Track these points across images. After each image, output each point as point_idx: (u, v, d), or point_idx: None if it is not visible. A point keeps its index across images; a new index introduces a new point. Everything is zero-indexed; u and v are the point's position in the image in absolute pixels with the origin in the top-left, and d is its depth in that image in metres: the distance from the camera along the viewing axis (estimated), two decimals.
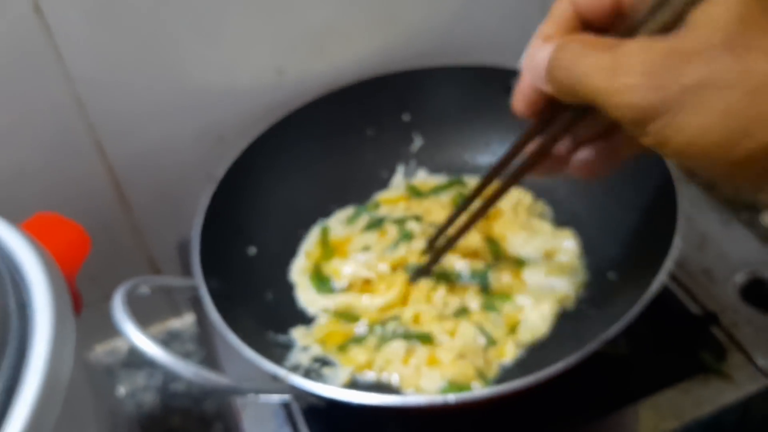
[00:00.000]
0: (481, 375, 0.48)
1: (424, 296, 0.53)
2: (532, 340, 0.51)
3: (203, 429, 0.64)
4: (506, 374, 0.49)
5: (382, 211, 0.62)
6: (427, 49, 0.65)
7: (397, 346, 0.50)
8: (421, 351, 0.50)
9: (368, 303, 0.54)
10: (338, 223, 0.62)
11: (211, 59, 0.58)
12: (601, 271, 0.54)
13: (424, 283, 0.54)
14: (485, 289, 0.54)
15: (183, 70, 0.58)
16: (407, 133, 0.65)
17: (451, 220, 0.52)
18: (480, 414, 0.46)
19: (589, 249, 0.56)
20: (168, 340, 0.71)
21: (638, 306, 0.42)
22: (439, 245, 0.53)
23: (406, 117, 0.64)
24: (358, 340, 0.52)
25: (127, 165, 0.60)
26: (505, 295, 0.53)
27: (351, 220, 0.61)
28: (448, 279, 0.54)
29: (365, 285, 0.56)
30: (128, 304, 0.43)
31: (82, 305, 0.46)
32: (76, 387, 0.39)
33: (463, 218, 0.50)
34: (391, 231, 0.58)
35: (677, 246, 0.45)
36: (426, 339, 0.50)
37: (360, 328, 0.53)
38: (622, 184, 0.54)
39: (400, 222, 0.59)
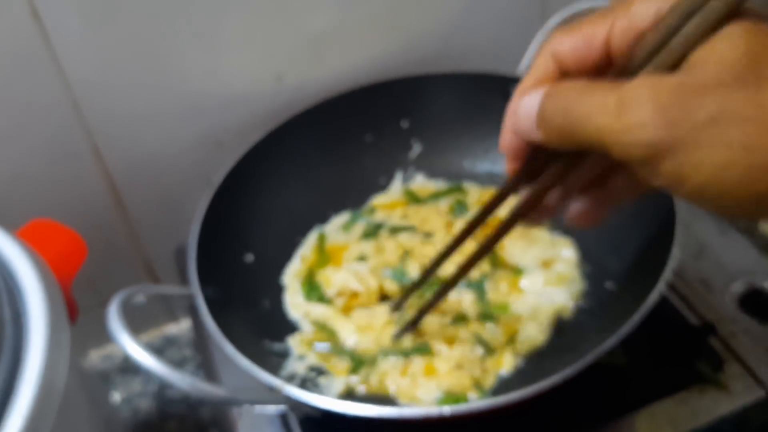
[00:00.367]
0: (478, 385, 0.48)
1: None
2: (529, 349, 0.50)
3: None
4: (504, 384, 0.49)
5: (379, 216, 0.61)
6: (426, 56, 0.64)
7: (394, 361, 0.50)
8: (419, 362, 0.50)
9: (347, 326, 0.54)
10: (335, 229, 0.61)
11: (209, 64, 0.58)
12: (599, 280, 0.53)
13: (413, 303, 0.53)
14: (482, 298, 0.54)
15: (181, 75, 0.58)
16: (406, 139, 0.64)
17: (440, 259, 0.49)
18: (477, 424, 0.46)
19: (586, 258, 0.56)
20: (165, 346, 0.71)
21: (636, 317, 0.42)
22: (421, 304, 0.50)
23: (404, 124, 0.64)
24: (342, 352, 0.52)
25: (124, 170, 0.60)
26: (502, 305, 0.53)
27: (347, 227, 0.61)
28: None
29: (353, 297, 0.55)
30: (124, 311, 0.43)
31: (77, 313, 0.46)
32: (70, 395, 0.39)
33: (455, 258, 0.48)
34: (389, 246, 0.58)
35: (675, 257, 0.45)
36: (425, 351, 0.50)
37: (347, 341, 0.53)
38: None
39: (396, 230, 0.59)
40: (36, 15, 0.50)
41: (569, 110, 0.30)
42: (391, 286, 0.55)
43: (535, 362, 0.50)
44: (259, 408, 0.42)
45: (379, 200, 0.63)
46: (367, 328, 0.53)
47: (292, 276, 0.58)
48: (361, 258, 0.57)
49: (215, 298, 0.48)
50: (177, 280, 0.62)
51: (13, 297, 0.38)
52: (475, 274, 0.54)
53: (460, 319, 0.52)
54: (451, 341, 0.50)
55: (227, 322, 0.47)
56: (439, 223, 0.59)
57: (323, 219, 0.62)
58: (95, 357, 0.70)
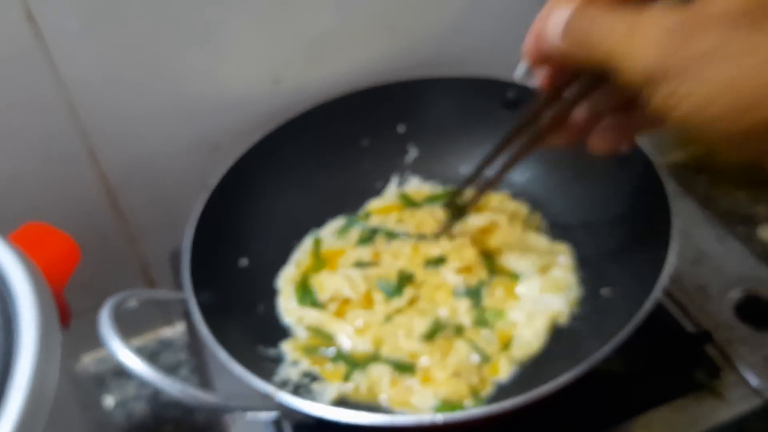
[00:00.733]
0: (475, 393, 0.48)
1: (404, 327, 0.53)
2: (525, 356, 0.50)
3: None
4: (501, 392, 0.49)
5: (374, 221, 0.61)
6: (424, 60, 0.64)
7: (382, 370, 0.50)
8: (407, 377, 0.50)
9: (344, 329, 0.54)
10: (330, 233, 0.61)
11: (207, 67, 0.58)
12: (596, 287, 0.53)
13: (403, 318, 0.53)
14: (478, 304, 0.53)
15: (178, 77, 0.57)
16: (402, 144, 0.64)
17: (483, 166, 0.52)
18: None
19: (583, 264, 0.55)
20: (160, 349, 0.71)
21: (632, 324, 0.42)
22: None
23: (401, 128, 0.64)
24: (337, 358, 0.52)
25: (120, 173, 0.60)
26: (499, 311, 0.53)
27: (343, 232, 0.61)
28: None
29: (345, 303, 0.55)
30: (116, 317, 0.43)
31: (70, 317, 0.45)
32: (62, 400, 0.38)
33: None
34: (386, 259, 0.57)
35: (671, 264, 0.44)
36: (408, 369, 0.50)
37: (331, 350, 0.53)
38: (618, 199, 0.54)
39: (391, 235, 0.59)
40: (31, 18, 0.49)
41: (591, 27, 0.33)
42: (379, 297, 0.55)
43: (532, 369, 0.50)
44: (251, 415, 0.42)
45: (374, 205, 0.63)
46: (365, 330, 0.53)
47: (286, 280, 0.58)
48: (358, 264, 0.57)
49: (209, 303, 0.48)
50: (173, 283, 0.62)
51: (4, 302, 0.38)
52: (472, 280, 0.54)
53: (457, 328, 0.52)
54: (445, 351, 0.50)
55: (221, 327, 0.46)
56: (435, 226, 0.58)
57: (319, 223, 0.62)
58: (90, 360, 0.69)
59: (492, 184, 0.52)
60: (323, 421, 0.41)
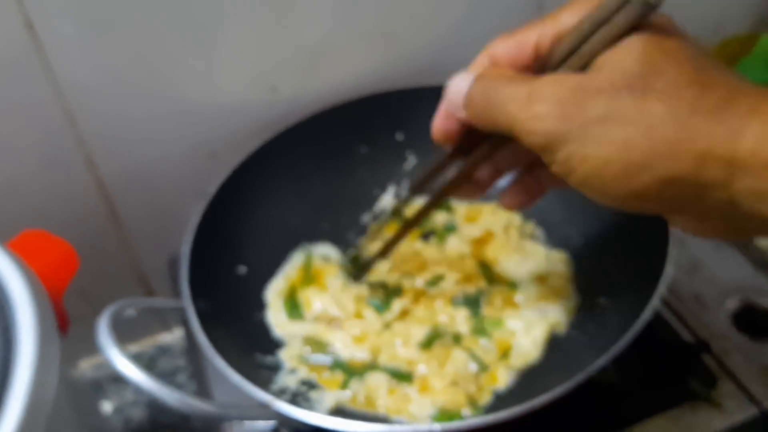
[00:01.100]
0: (473, 402, 0.48)
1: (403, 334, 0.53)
2: (523, 365, 0.50)
3: None
4: (498, 401, 0.49)
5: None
6: (422, 68, 0.64)
7: (380, 378, 0.50)
8: (404, 386, 0.50)
9: (339, 337, 0.54)
10: (321, 252, 0.61)
11: (204, 75, 0.58)
12: (592, 295, 0.53)
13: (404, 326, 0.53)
14: (476, 313, 0.53)
15: (176, 85, 0.57)
16: (401, 151, 0.64)
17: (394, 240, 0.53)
18: None
19: (579, 273, 0.55)
20: (157, 355, 0.71)
21: (630, 334, 0.42)
22: (368, 255, 0.56)
23: (399, 136, 0.64)
24: (335, 366, 0.52)
25: (118, 180, 0.60)
26: (497, 320, 0.53)
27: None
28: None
29: (332, 320, 0.55)
30: (114, 324, 0.43)
31: (68, 324, 0.45)
32: (59, 409, 0.38)
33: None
34: (368, 314, 0.56)
35: (669, 274, 0.45)
36: (405, 378, 0.50)
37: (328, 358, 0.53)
38: (615, 210, 0.54)
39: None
40: (30, 25, 0.49)
41: (491, 95, 0.34)
42: (369, 312, 0.55)
43: (529, 378, 0.50)
44: (249, 424, 0.42)
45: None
46: (362, 339, 0.53)
47: (274, 293, 0.58)
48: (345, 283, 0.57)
49: (207, 311, 0.48)
50: (170, 290, 0.62)
51: (2, 310, 0.38)
52: (471, 289, 0.54)
53: (455, 337, 0.52)
54: (443, 360, 0.50)
55: (218, 334, 0.46)
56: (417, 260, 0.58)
57: (317, 232, 0.62)
58: (87, 366, 0.69)
59: (406, 231, 0.52)
60: (320, 430, 0.41)
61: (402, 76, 0.64)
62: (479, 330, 0.52)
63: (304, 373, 0.51)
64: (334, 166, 0.62)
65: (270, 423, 0.43)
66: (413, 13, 0.62)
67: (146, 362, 0.70)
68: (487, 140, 0.40)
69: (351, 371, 0.51)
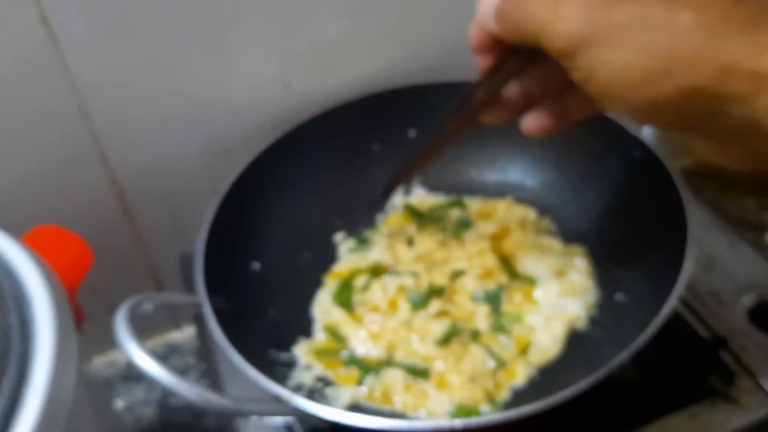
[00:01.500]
0: (491, 398, 0.48)
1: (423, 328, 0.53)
2: (543, 361, 0.50)
3: None
4: (517, 397, 0.48)
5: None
6: (434, 65, 0.64)
7: (396, 375, 0.49)
8: (421, 382, 0.49)
9: (359, 333, 0.54)
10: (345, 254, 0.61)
11: (217, 72, 0.58)
12: (609, 292, 0.53)
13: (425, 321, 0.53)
14: (497, 310, 0.53)
15: (189, 82, 0.57)
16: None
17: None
18: None
19: (596, 269, 0.55)
20: (168, 354, 0.71)
21: (649, 330, 0.42)
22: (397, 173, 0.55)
23: (412, 133, 0.63)
24: (350, 362, 0.52)
25: (131, 177, 0.60)
26: (516, 316, 0.52)
27: (355, 251, 0.61)
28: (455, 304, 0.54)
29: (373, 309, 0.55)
30: (131, 319, 0.43)
31: (83, 320, 0.45)
32: (78, 404, 0.38)
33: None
34: (423, 280, 0.56)
35: (687, 271, 0.44)
36: (422, 374, 0.50)
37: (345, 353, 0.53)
38: (631, 204, 0.54)
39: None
40: (45, 20, 0.49)
41: (519, 7, 0.35)
42: (404, 306, 0.54)
43: (547, 374, 0.49)
44: (266, 419, 0.42)
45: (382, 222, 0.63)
46: (379, 336, 0.53)
47: (334, 276, 0.58)
48: (374, 310, 0.56)
49: (222, 307, 0.48)
50: (181, 287, 0.62)
51: (20, 304, 0.38)
52: (491, 285, 0.54)
53: (473, 333, 0.52)
54: (460, 356, 0.50)
55: (234, 331, 0.46)
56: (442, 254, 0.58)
57: (330, 228, 0.62)
58: (98, 364, 0.69)
59: (428, 159, 0.52)
60: (338, 426, 0.41)
61: (414, 73, 0.63)
62: (498, 327, 0.52)
63: (319, 369, 0.51)
64: (347, 162, 0.62)
65: (285, 419, 0.43)
66: (425, 9, 0.62)
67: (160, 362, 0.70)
68: (517, 55, 0.40)
69: (366, 367, 0.51)
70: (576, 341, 0.51)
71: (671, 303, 0.43)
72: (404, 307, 0.54)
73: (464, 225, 0.60)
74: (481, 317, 0.52)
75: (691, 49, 0.29)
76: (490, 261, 0.55)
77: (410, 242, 0.59)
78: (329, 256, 0.61)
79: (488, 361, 0.50)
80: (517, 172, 0.62)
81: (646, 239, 0.52)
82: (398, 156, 0.62)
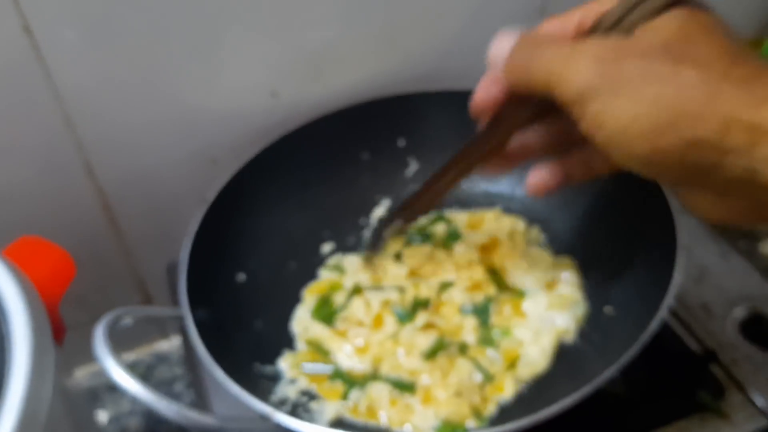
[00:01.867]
0: (477, 413, 0.47)
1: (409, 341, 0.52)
2: (531, 375, 0.49)
3: None
4: (503, 412, 0.48)
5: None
6: (423, 74, 0.64)
7: (381, 389, 0.49)
8: (407, 396, 0.49)
9: (344, 348, 0.53)
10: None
11: (205, 81, 0.57)
12: (598, 305, 0.52)
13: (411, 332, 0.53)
14: (485, 322, 0.52)
15: (175, 90, 0.57)
16: (403, 157, 0.64)
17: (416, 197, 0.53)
18: None
19: (585, 282, 0.54)
20: (155, 363, 0.70)
21: (638, 344, 0.41)
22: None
23: (401, 142, 0.63)
24: (335, 376, 0.51)
25: (117, 186, 0.59)
26: (505, 329, 0.52)
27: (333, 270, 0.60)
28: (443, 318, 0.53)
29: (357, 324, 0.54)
30: (111, 333, 0.42)
31: (64, 333, 0.45)
32: (55, 420, 0.38)
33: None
34: (409, 294, 0.56)
35: (677, 283, 0.44)
36: (408, 388, 0.49)
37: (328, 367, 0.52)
38: (620, 215, 0.54)
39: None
40: (27, 29, 0.49)
41: (534, 51, 0.36)
42: (390, 320, 0.54)
43: (535, 389, 0.49)
44: None
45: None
46: (365, 350, 0.52)
47: (312, 291, 0.58)
48: (360, 324, 0.55)
49: (205, 319, 0.47)
50: (168, 296, 0.61)
51: None
52: (479, 297, 0.54)
53: (460, 346, 0.51)
54: (447, 370, 0.49)
55: (218, 344, 0.46)
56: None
57: (318, 238, 0.61)
58: (83, 374, 0.68)
59: (435, 200, 0.52)
60: None
61: (404, 82, 0.63)
62: (487, 340, 0.51)
63: (304, 383, 0.50)
64: (336, 171, 0.62)
65: None
66: (415, 18, 0.61)
67: (143, 371, 0.69)
68: (523, 107, 0.41)
69: (351, 381, 0.50)
70: (564, 355, 0.50)
71: (660, 317, 0.42)
72: (390, 320, 0.54)
73: (453, 236, 0.59)
74: (468, 330, 0.52)
75: (695, 102, 0.31)
76: (479, 273, 0.54)
77: (398, 257, 0.58)
78: (316, 267, 0.60)
79: (475, 374, 0.49)
80: (505, 183, 0.62)
81: (635, 250, 0.52)
82: (386, 168, 0.63)
